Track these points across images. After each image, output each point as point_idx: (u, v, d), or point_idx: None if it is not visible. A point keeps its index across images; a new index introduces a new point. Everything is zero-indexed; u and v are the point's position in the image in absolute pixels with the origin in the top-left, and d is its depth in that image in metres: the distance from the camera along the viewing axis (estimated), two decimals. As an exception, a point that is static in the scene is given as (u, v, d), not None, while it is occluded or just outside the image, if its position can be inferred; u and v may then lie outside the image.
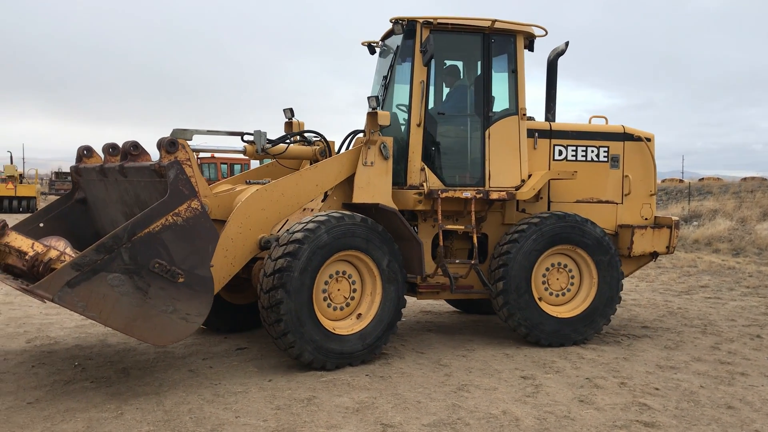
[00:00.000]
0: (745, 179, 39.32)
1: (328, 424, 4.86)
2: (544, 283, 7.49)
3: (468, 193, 7.31)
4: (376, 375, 6.07)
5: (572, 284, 7.61)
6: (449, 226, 7.30)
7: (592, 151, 8.06)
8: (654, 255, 8.26)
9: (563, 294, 7.58)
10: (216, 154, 27.57)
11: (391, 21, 7.31)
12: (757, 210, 20.92)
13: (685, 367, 6.62)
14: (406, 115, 7.55)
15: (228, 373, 6.06)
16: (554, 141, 7.95)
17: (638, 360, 6.85)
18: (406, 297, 6.86)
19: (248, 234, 6.33)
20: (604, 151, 8.11)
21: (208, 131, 6.64)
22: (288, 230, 6.27)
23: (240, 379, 5.87)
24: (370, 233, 6.43)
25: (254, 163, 27.78)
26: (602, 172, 8.09)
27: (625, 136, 8.21)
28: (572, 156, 7.98)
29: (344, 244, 6.29)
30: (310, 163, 7.43)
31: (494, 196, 7.37)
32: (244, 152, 7.02)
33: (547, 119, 8.21)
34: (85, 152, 6.94)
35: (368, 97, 6.90)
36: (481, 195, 7.34)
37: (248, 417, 4.97)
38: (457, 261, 7.36)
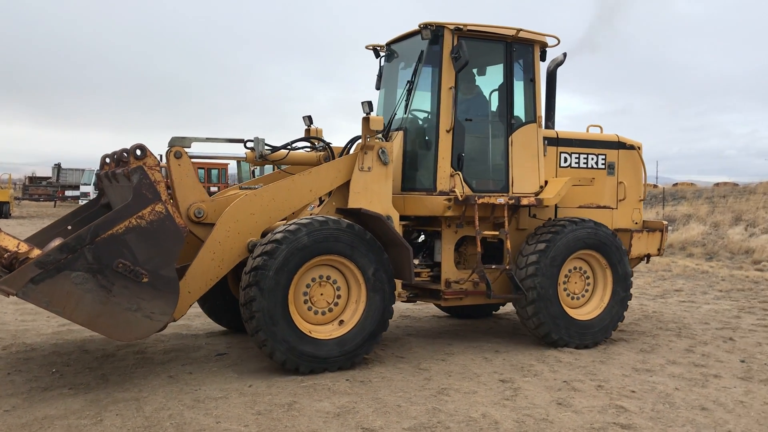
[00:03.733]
0: (717, 184, 39.94)
1: (309, 428, 4.88)
2: (565, 288, 7.66)
3: (502, 199, 7.41)
4: (356, 380, 6.09)
5: (588, 286, 7.84)
6: (486, 233, 7.39)
7: (592, 159, 8.38)
8: (647, 257, 8.65)
9: (582, 296, 7.81)
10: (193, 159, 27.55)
11: (420, 26, 7.31)
12: (730, 215, 21.29)
13: (660, 369, 6.73)
14: (426, 120, 7.63)
15: (208, 379, 6.05)
16: (560, 149, 8.21)
17: (614, 363, 6.95)
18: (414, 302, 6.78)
19: (237, 237, 6.39)
20: (602, 159, 8.45)
21: (207, 139, 6.75)
22: (272, 232, 6.30)
23: (220, 385, 5.86)
24: (355, 240, 6.41)
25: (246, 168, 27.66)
26: (600, 178, 8.40)
27: (620, 145, 8.57)
28: (575, 163, 8.27)
29: (326, 248, 6.29)
30: None
31: (524, 202, 7.52)
32: (245, 159, 7.07)
33: (547, 128, 8.38)
34: (107, 159, 7.06)
35: (362, 102, 6.89)
36: (513, 201, 7.46)
37: (229, 422, 4.96)
38: (493, 266, 7.42)
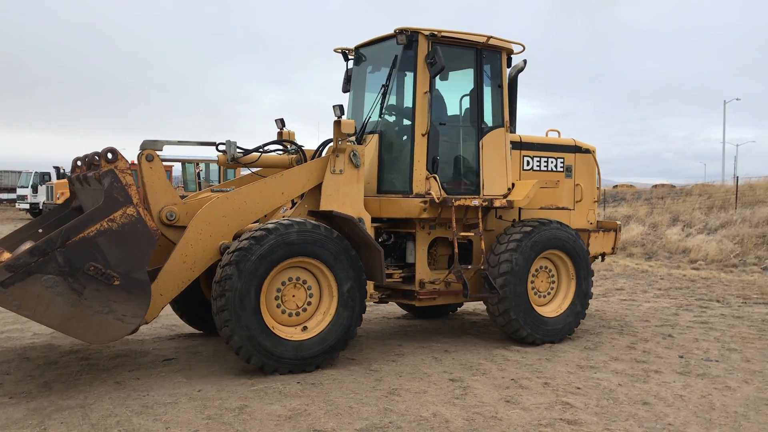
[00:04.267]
0: (656, 186, 41.16)
1: (260, 432, 4.86)
2: (533, 287, 7.92)
3: (476, 201, 7.58)
4: (307, 382, 6.09)
5: (553, 285, 8.14)
6: (463, 233, 7.54)
7: (552, 162, 8.71)
8: (602, 255, 9.03)
9: (548, 294, 8.09)
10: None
11: (395, 31, 7.37)
12: (667, 216, 21.99)
13: (603, 366, 6.93)
14: (400, 123, 7.71)
15: (156, 384, 5.96)
16: (524, 152, 8.49)
17: (560, 361, 7.12)
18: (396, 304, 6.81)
19: (209, 240, 6.40)
20: (561, 162, 8.79)
21: (179, 142, 6.75)
22: (261, 225, 6.35)
23: (169, 390, 5.78)
24: (341, 252, 6.49)
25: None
26: (560, 181, 8.66)
27: (576, 149, 8.95)
28: (537, 166, 8.58)
29: (312, 251, 6.37)
30: None
31: (497, 203, 7.74)
32: (217, 162, 7.07)
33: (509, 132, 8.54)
34: (78, 163, 7.05)
35: (333, 106, 6.93)
36: (486, 203, 7.65)
37: (179, 428, 4.90)
38: (469, 267, 7.52)
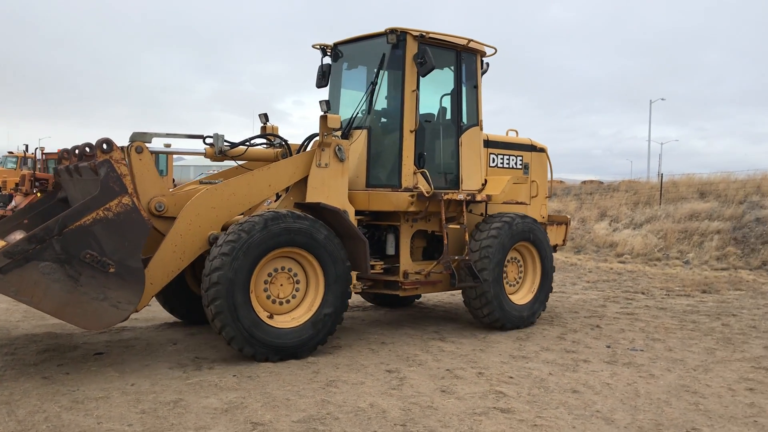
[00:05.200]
0: (585, 182, 42.31)
1: (196, 425, 4.79)
2: (505, 276, 8.41)
3: (461, 196, 8.02)
4: (243, 375, 6.05)
5: (521, 274, 8.74)
6: (451, 226, 7.96)
7: (512, 160, 9.26)
8: (554, 247, 9.58)
9: (516, 283, 8.68)
10: (47, 150, 26.27)
11: (386, 31, 7.64)
12: (596, 211, 22.66)
13: (535, 356, 7.13)
14: (388, 120, 7.97)
15: (87, 379, 5.80)
16: (490, 150, 8.94)
17: (493, 351, 7.28)
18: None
19: (197, 231, 6.53)
20: (520, 160, 9.36)
21: (167, 134, 6.86)
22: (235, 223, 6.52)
23: (100, 385, 5.64)
24: (327, 243, 6.73)
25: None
26: (518, 177, 9.23)
27: (532, 147, 9.54)
28: (501, 163, 9.10)
29: (299, 241, 6.57)
30: None
31: (478, 198, 8.25)
32: (204, 154, 7.19)
33: None
34: (65, 154, 7.18)
35: (320, 101, 7.23)
36: (470, 197, 8.12)
37: (111, 422, 4.79)
38: (456, 257, 7.85)
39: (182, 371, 6.09)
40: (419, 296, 10.44)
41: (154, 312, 8.88)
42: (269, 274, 6.60)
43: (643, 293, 11.96)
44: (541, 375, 6.37)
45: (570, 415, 5.27)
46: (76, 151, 6.82)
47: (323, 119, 7.14)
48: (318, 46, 8.62)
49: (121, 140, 6.80)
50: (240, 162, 7.66)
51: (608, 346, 7.68)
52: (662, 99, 62.16)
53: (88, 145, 6.37)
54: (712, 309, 10.46)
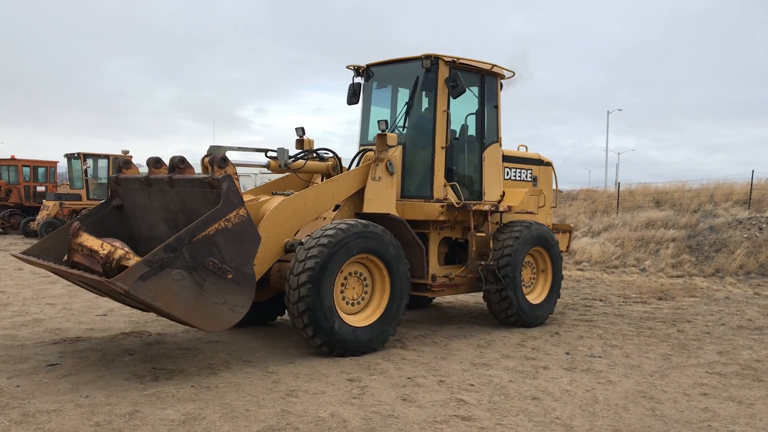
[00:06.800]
0: (544, 191, 42.74)
1: (152, 438, 4.69)
2: (521, 278, 9.07)
3: (487, 206, 8.88)
4: (201, 386, 5.94)
5: (534, 276, 9.51)
6: (479, 233, 8.76)
7: (523, 173, 10.10)
8: None
9: (531, 284, 9.43)
10: (16, 156, 26.09)
11: (422, 56, 8.43)
12: (555, 219, 22.96)
13: (495, 363, 7.17)
14: (421, 136, 8.65)
15: (38, 392, 5.64)
16: (504, 164, 9.59)
17: (455, 359, 7.30)
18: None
19: (275, 239, 7.15)
20: (530, 173, 10.20)
21: (239, 148, 7.45)
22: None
23: (53, 397, 5.48)
24: (395, 250, 7.45)
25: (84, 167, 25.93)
26: (528, 189, 9.89)
27: (540, 162, 10.40)
28: (513, 176, 9.88)
29: (373, 248, 7.23)
30: (322, 177, 8.46)
31: (501, 208, 9.06)
32: (267, 167, 7.85)
33: None
34: (124, 164, 7.67)
35: (378, 121, 8.04)
36: (494, 208, 8.96)
37: (64, 436, 4.66)
38: (482, 263, 8.64)
39: (139, 382, 5.97)
40: (432, 299, 11.13)
41: (110, 322, 8.70)
42: (345, 278, 7.25)
43: (601, 300, 12.14)
44: (501, 382, 6.41)
45: (530, 422, 5.30)
46: (155, 163, 7.18)
47: (381, 137, 7.88)
48: (352, 67, 9.29)
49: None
50: (300, 174, 8.31)
51: (567, 353, 7.76)
52: (619, 110, 63.68)
53: (181, 159, 6.86)
54: (668, 315, 10.66)
